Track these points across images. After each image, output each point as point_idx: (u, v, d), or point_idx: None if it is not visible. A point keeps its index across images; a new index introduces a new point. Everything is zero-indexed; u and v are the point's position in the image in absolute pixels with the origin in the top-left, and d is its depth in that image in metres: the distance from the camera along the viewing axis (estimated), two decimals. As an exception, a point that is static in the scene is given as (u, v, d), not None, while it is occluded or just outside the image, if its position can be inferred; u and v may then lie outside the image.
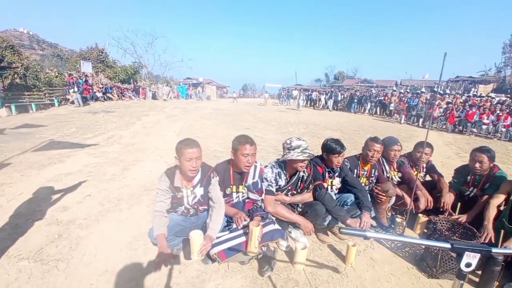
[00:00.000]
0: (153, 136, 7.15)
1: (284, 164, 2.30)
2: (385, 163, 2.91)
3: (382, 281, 2.05)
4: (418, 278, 2.11)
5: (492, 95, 17.83)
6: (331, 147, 2.36)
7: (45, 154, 4.82)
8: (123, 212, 2.86)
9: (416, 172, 3.08)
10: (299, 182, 2.35)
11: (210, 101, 26.14)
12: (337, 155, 2.35)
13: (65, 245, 2.27)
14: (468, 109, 12.07)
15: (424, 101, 14.35)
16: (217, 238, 1.86)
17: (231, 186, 2.10)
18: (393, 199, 2.76)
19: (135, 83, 23.66)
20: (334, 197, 2.44)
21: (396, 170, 2.96)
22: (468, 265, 0.75)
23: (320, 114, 16.39)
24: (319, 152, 2.54)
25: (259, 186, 2.13)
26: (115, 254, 2.15)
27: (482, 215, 2.34)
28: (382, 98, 17.88)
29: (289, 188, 2.33)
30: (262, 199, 2.16)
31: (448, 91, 19.01)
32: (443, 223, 2.33)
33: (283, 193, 2.33)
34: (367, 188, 2.71)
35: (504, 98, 15.66)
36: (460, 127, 12.01)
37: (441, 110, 13.01)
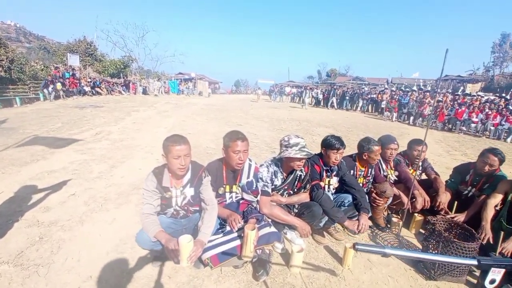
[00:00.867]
0: (144, 132, 6.94)
1: (281, 163, 2.20)
2: (382, 162, 2.85)
3: (380, 284, 1.99)
4: (416, 280, 2.06)
5: (481, 93, 18.21)
6: (330, 143, 2.29)
7: (28, 151, 4.58)
8: (110, 213, 2.72)
9: (412, 171, 3.05)
10: (296, 182, 2.26)
11: (202, 96, 25.78)
12: (335, 151, 2.28)
13: (46, 248, 2.13)
14: (458, 107, 12.28)
15: (415, 99, 14.54)
16: (210, 241, 1.75)
17: (224, 186, 1.99)
18: (390, 199, 2.71)
19: (125, 78, 23.06)
20: (332, 197, 2.37)
21: (393, 169, 2.91)
22: (492, 281, 0.67)
23: (313, 111, 16.39)
24: (315, 150, 2.46)
25: (254, 187, 2.02)
26: (100, 259, 2.01)
27: (479, 215, 2.32)
28: (374, 95, 18.02)
29: (286, 187, 2.24)
30: (257, 200, 2.06)
31: (438, 90, 19.29)
32: (441, 224, 2.29)
33: (279, 193, 2.23)
34: (364, 188, 2.65)
35: (492, 97, 15.98)
36: (450, 125, 12.20)
37: (431, 108, 13.19)
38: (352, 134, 8.75)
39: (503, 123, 10.66)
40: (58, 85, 13.72)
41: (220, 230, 1.87)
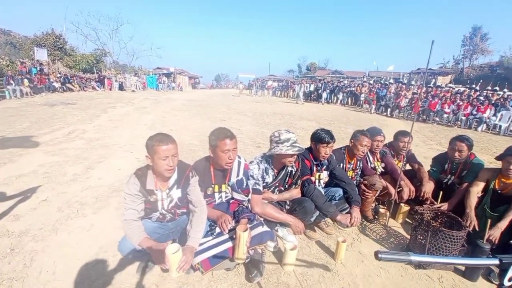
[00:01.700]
0: (122, 129, 6.60)
1: (271, 159, 2.13)
2: (369, 154, 2.87)
3: (372, 276, 2.00)
4: (406, 269, 2.09)
5: (451, 85, 19.17)
6: (320, 136, 2.24)
7: (-9, 153, 4.18)
8: (87, 218, 2.52)
9: (397, 162, 3.10)
10: (287, 178, 2.20)
11: (182, 92, 25.10)
12: (325, 145, 2.24)
13: (18, 261, 1.93)
14: (431, 99, 12.84)
15: (393, 91, 15.02)
16: (200, 245, 1.64)
17: (212, 186, 1.88)
18: (379, 191, 2.73)
19: (99, 73, 21.87)
20: (323, 192, 2.34)
21: (380, 160, 2.94)
22: (511, 279, 0.63)
23: (294, 104, 16.48)
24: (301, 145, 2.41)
25: (245, 185, 1.93)
26: (78, 270, 1.85)
27: (463, 203, 2.39)
28: (353, 88, 18.41)
29: (277, 184, 2.16)
30: (248, 199, 1.97)
31: (413, 83, 20.08)
32: (428, 213, 2.33)
33: (270, 190, 2.16)
34: (353, 181, 2.65)
35: (463, 89, 16.86)
36: (424, 116, 12.75)
37: (407, 100, 13.73)
38: (334, 126, 8.87)
39: (474, 112, 11.27)
40: (25, 82, 12.75)
41: (210, 232, 1.77)
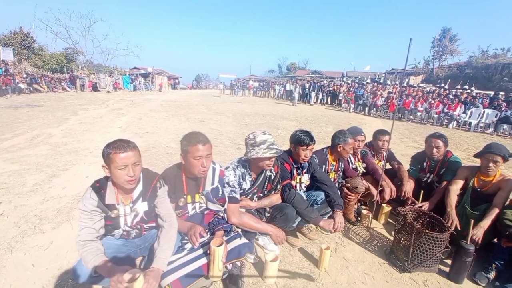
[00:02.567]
0: (93, 133, 6.18)
1: (249, 164, 1.98)
2: (350, 155, 2.80)
3: (357, 283, 1.91)
4: (391, 274, 2.03)
5: (422, 85, 20.06)
6: (299, 138, 2.12)
7: None
8: (45, 235, 2.24)
9: (378, 161, 3.08)
10: (266, 183, 2.06)
11: (162, 92, 24.33)
12: (305, 147, 2.13)
13: (-33, 286, 1.65)
14: (405, 98, 13.32)
15: (370, 91, 15.43)
16: (170, 263, 1.46)
17: (185, 196, 1.69)
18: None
19: (71, 73, 20.66)
20: (304, 196, 2.23)
21: (361, 160, 2.89)
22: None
23: (275, 104, 16.47)
24: (280, 146, 2.29)
25: (220, 194, 1.76)
26: (30, 298, 1.61)
27: (443, 202, 2.38)
28: (332, 88, 18.73)
29: (255, 190, 2.02)
30: (224, 209, 1.81)
31: (389, 82, 20.78)
32: (410, 214, 2.29)
33: (248, 197, 2.01)
34: (335, 183, 2.57)
35: (433, 88, 17.67)
36: (399, 114, 13.19)
37: (383, 99, 14.16)
38: (315, 126, 8.90)
39: (445, 110, 11.80)
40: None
41: (182, 248, 1.59)
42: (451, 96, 13.49)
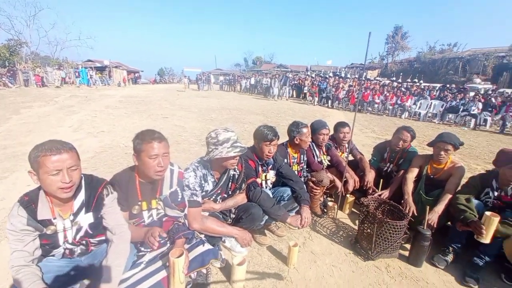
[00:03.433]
0: (37, 134, 5.49)
1: (211, 163, 1.85)
2: (315, 148, 2.82)
3: (325, 277, 1.92)
4: (356, 263, 2.08)
5: (378, 79, 21.44)
6: (262, 134, 2.06)
7: None
8: (-29, 258, 1.90)
9: (341, 153, 3.15)
10: (230, 183, 1.96)
11: (121, 87, 22.67)
12: (268, 143, 2.06)
13: None
14: (364, 91, 14.09)
15: (332, 84, 16.03)
16: (124, 281, 1.30)
17: (139, 203, 1.51)
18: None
19: (12, 66, 18.21)
20: (270, 194, 2.17)
21: (326, 153, 2.92)
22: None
23: (241, 98, 16.33)
24: (247, 141, 2.20)
25: (180, 198, 1.61)
26: None
27: (400, 189, 2.51)
28: (297, 82, 19.10)
29: (219, 191, 1.90)
30: (185, 214, 1.67)
31: (349, 76, 21.81)
32: (372, 204, 2.37)
33: (211, 199, 1.89)
34: (300, 176, 2.56)
35: (388, 81, 18.96)
36: (359, 107, 13.94)
37: (344, 92, 14.82)
38: (281, 119, 8.97)
39: (399, 102, 12.73)
40: None
41: (138, 263, 1.43)
42: (403, 89, 14.57)
